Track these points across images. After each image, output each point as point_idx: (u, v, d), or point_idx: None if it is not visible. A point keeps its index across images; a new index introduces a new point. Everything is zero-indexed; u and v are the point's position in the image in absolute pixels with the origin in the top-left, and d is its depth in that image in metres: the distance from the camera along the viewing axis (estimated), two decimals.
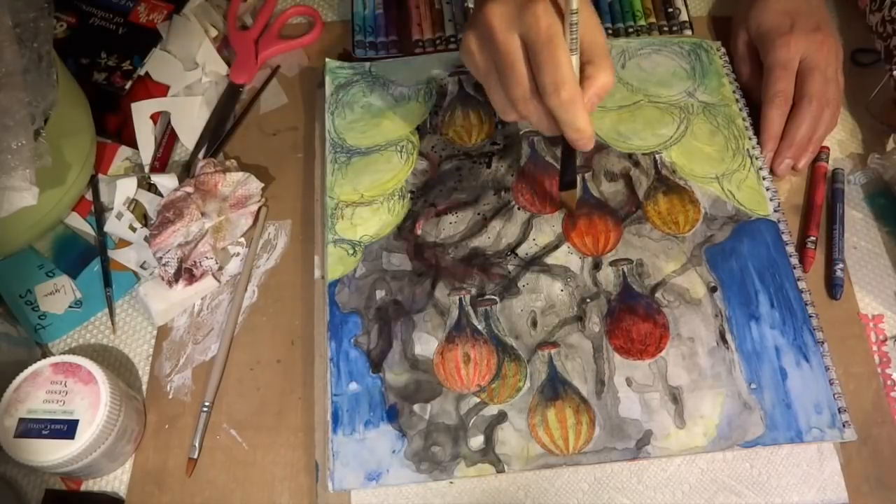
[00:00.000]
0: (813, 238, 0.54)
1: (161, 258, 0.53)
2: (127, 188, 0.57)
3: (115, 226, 0.57)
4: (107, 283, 0.55)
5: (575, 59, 0.43)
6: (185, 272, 0.53)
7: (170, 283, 0.53)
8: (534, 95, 0.43)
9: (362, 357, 0.49)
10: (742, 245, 0.52)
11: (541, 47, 0.41)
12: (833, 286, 0.52)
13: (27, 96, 0.47)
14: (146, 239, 0.54)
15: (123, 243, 0.57)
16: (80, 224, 0.58)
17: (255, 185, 0.57)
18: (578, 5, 0.41)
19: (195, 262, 0.53)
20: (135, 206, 0.57)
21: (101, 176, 0.59)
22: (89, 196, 0.59)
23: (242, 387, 0.51)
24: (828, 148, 0.58)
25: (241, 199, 0.56)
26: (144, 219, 0.57)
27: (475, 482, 0.47)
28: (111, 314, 0.54)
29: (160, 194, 0.57)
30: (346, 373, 0.49)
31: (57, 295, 0.55)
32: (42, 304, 0.54)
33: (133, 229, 0.56)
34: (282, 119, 0.62)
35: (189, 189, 0.55)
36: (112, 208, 0.57)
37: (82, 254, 0.56)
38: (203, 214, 0.54)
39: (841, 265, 0.53)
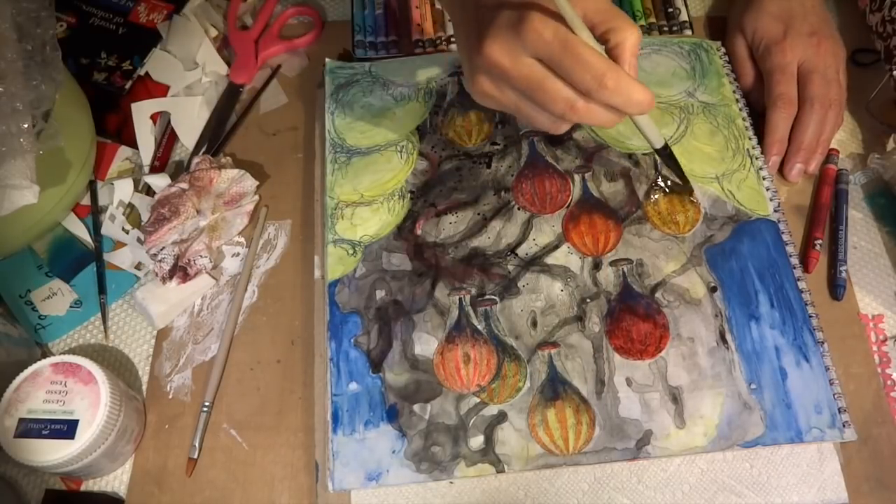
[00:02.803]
0: (820, 240, 0.54)
1: (156, 255, 0.53)
2: (123, 190, 0.57)
3: (109, 227, 0.57)
4: (101, 289, 0.55)
5: (588, 37, 0.40)
6: (180, 270, 0.53)
7: (164, 280, 0.53)
8: (579, 99, 0.41)
9: (362, 357, 0.49)
10: (742, 245, 0.52)
11: (560, 58, 0.39)
12: (836, 286, 0.52)
13: (29, 93, 0.46)
14: (139, 240, 0.54)
15: (121, 245, 0.57)
16: (79, 227, 0.58)
17: (249, 183, 0.57)
18: None
19: (189, 260, 0.53)
20: (130, 211, 0.57)
21: (99, 182, 0.59)
22: (86, 201, 0.59)
23: (242, 387, 0.51)
24: (837, 151, 0.58)
25: (235, 196, 0.56)
26: (139, 224, 0.57)
27: (475, 482, 0.47)
28: (104, 320, 0.54)
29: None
30: (346, 373, 0.49)
31: (55, 298, 0.55)
32: (41, 308, 0.54)
33: (126, 231, 0.56)
34: (282, 119, 0.62)
35: (184, 185, 0.55)
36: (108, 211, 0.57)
37: (78, 258, 0.56)
38: (198, 212, 0.54)
39: (844, 266, 0.53)
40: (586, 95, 0.40)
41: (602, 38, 0.41)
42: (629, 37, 0.41)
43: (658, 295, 0.51)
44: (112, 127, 0.62)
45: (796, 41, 0.57)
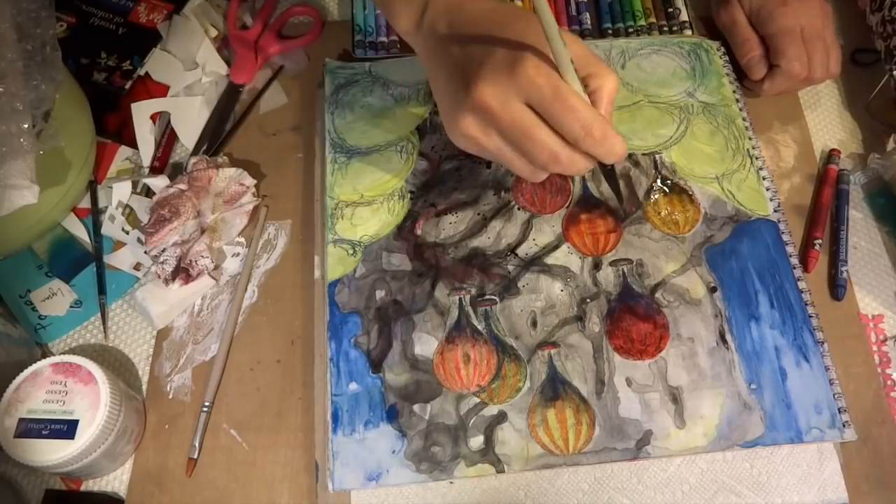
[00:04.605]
0: (820, 240, 0.54)
1: (158, 256, 0.53)
2: (121, 192, 0.57)
3: (109, 228, 0.57)
4: (101, 290, 0.55)
5: (576, 82, 0.40)
6: (182, 271, 0.53)
7: (166, 282, 0.53)
8: (563, 150, 0.41)
9: (362, 357, 0.49)
10: (742, 245, 0.52)
11: (550, 104, 0.39)
12: (836, 287, 0.52)
13: (29, 93, 0.46)
14: (139, 240, 0.54)
15: (121, 245, 0.57)
16: (78, 227, 0.57)
17: (248, 181, 0.57)
18: (561, 35, 0.39)
19: (191, 261, 0.53)
20: (129, 213, 0.57)
21: (98, 185, 0.59)
22: (86, 203, 0.58)
23: (242, 387, 0.51)
24: (839, 151, 0.58)
25: (234, 195, 0.56)
26: (138, 225, 0.57)
27: (475, 482, 0.47)
28: (104, 321, 0.54)
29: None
30: (346, 373, 0.49)
31: (55, 298, 0.55)
32: (41, 309, 0.54)
33: (126, 232, 0.56)
34: (282, 119, 0.62)
35: (183, 186, 0.55)
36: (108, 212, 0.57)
37: (77, 259, 0.56)
38: (199, 213, 0.54)
39: (846, 266, 0.53)
40: (572, 144, 0.40)
41: (582, 83, 0.41)
42: (607, 83, 0.42)
43: (658, 295, 0.51)
44: (112, 127, 0.62)
45: (797, 6, 0.58)
